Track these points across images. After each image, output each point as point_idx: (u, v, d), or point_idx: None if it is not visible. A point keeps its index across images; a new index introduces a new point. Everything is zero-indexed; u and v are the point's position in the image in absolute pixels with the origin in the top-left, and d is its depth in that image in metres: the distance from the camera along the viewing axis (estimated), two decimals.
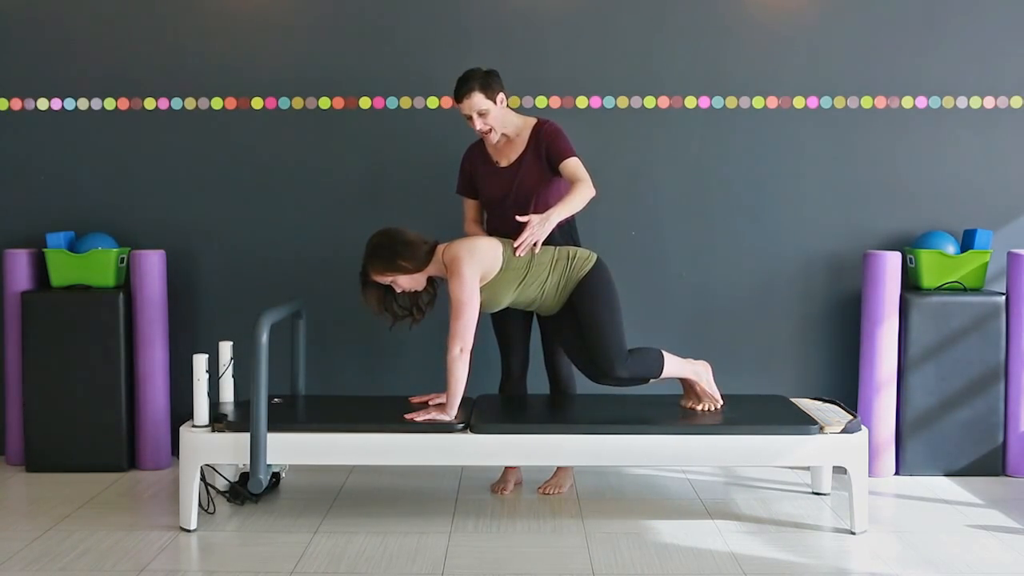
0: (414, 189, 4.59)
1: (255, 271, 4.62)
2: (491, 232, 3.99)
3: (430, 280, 3.86)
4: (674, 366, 3.81)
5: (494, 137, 3.88)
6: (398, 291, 3.80)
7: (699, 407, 3.84)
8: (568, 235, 3.99)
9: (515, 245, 3.71)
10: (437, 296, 3.91)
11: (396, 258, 3.71)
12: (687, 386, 3.90)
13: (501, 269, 3.73)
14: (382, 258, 3.73)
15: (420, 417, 3.67)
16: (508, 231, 3.87)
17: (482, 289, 3.72)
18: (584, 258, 3.78)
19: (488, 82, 3.81)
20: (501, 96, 3.85)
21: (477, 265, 3.68)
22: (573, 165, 3.84)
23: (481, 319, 4.07)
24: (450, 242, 3.78)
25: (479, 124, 3.82)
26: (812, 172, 4.57)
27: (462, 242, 3.77)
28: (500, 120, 3.86)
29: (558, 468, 4.14)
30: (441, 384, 4.56)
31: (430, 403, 3.85)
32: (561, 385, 4.09)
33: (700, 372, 3.84)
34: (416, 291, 3.83)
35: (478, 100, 3.78)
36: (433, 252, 3.77)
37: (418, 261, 3.73)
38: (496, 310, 3.85)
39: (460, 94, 3.80)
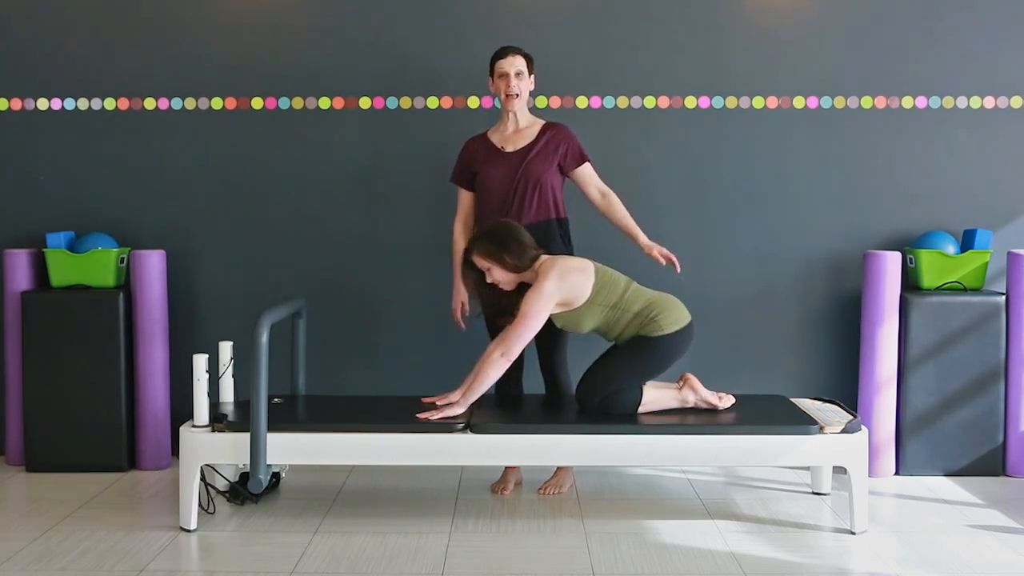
0: (414, 189, 4.59)
1: (255, 271, 4.62)
2: (485, 220, 3.99)
3: (521, 287, 3.82)
4: (654, 405, 3.78)
5: (516, 103, 3.96)
6: (488, 280, 3.79)
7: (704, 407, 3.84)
8: (564, 237, 4.02)
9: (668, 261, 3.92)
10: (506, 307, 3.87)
11: (502, 250, 3.72)
12: None
13: (587, 301, 3.73)
14: (490, 243, 3.73)
15: (435, 416, 3.67)
16: (507, 216, 3.91)
17: (565, 315, 3.75)
18: (662, 325, 3.73)
19: (530, 56, 4.05)
20: (533, 78, 4.04)
21: (561, 289, 3.68)
22: (590, 171, 4.07)
23: (479, 318, 4.09)
24: (553, 256, 3.78)
25: (512, 83, 3.94)
26: (812, 172, 4.58)
27: (562, 260, 3.75)
28: (526, 94, 4.00)
29: (558, 468, 4.14)
30: (441, 384, 4.56)
31: (438, 403, 3.84)
32: (561, 388, 4.08)
33: (686, 399, 3.82)
34: (505, 291, 3.81)
35: (520, 61, 3.97)
36: (535, 261, 3.77)
37: (519, 263, 3.73)
38: (576, 333, 3.86)
39: (506, 51, 3.98)
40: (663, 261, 3.96)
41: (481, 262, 3.76)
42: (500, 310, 3.87)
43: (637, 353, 3.75)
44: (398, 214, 4.61)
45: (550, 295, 3.67)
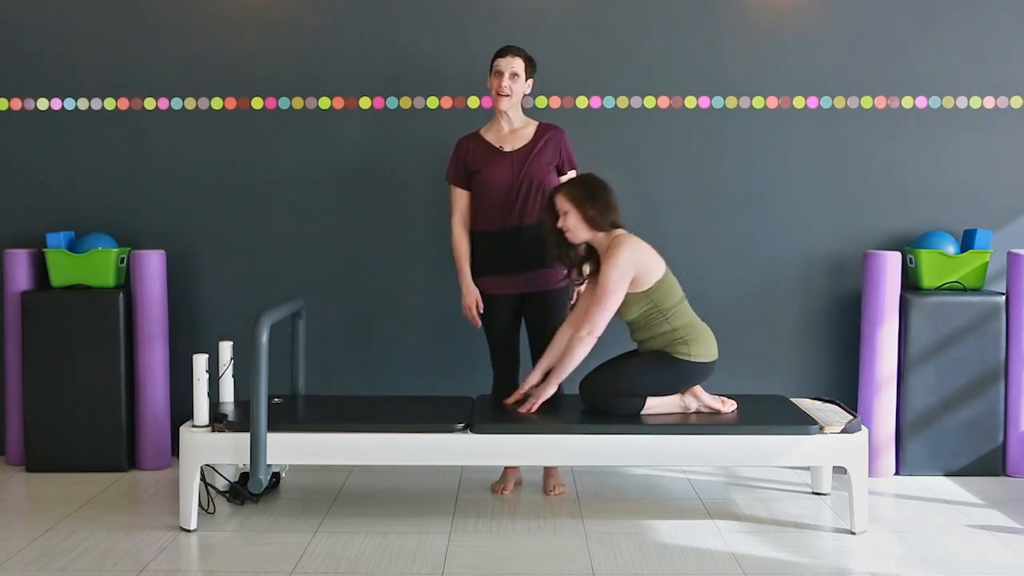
0: (414, 189, 4.59)
1: (255, 271, 4.62)
2: (481, 221, 3.99)
3: (587, 250, 3.83)
4: (656, 410, 3.78)
5: (505, 103, 3.95)
6: (559, 224, 3.76)
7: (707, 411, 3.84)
8: None
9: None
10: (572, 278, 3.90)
11: (589, 200, 3.72)
12: None
13: (647, 290, 3.72)
14: (582, 188, 3.74)
15: (536, 406, 3.73)
16: (505, 216, 3.93)
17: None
18: (691, 352, 3.73)
19: (532, 60, 4.01)
20: (531, 82, 4.03)
21: (636, 263, 3.69)
22: None
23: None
24: (629, 234, 3.78)
25: (505, 82, 3.93)
26: (812, 172, 4.58)
27: (637, 238, 3.76)
28: (518, 96, 3.99)
29: (547, 469, 4.13)
30: (440, 384, 4.58)
31: (523, 392, 3.85)
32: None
33: (688, 405, 3.81)
34: (569, 242, 3.78)
35: (518, 63, 3.96)
36: (613, 228, 3.77)
37: (598, 220, 3.72)
38: (621, 318, 3.84)
39: (506, 51, 3.97)
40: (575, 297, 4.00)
41: (563, 203, 3.75)
42: (564, 259, 3.85)
43: (656, 367, 3.75)
44: (398, 214, 4.61)
45: (625, 267, 3.67)
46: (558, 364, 3.77)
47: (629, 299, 3.74)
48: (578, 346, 3.71)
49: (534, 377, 3.87)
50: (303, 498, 4.02)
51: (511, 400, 3.88)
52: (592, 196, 3.72)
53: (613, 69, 4.55)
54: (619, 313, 3.79)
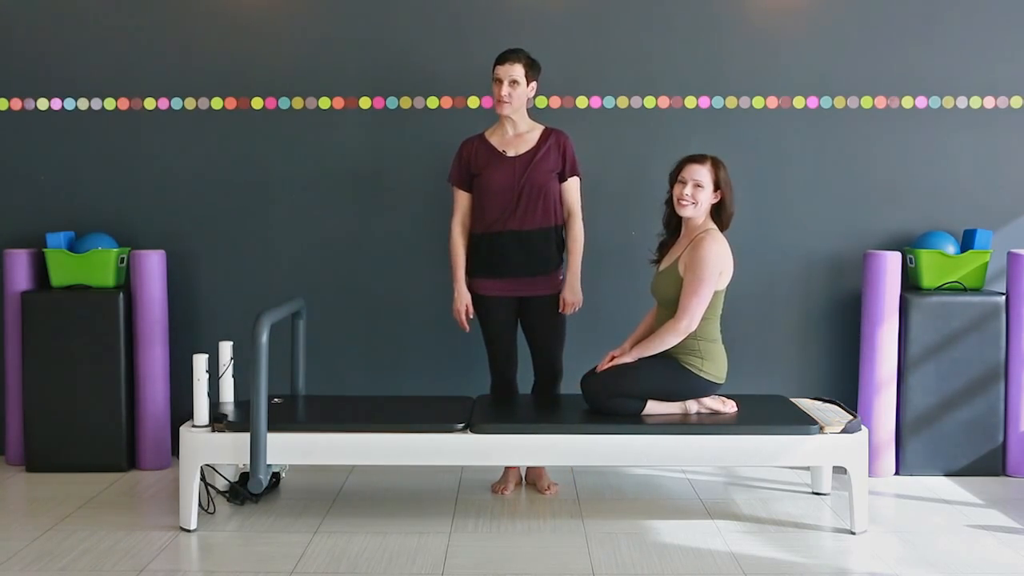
0: (414, 189, 4.59)
1: (255, 271, 4.62)
2: (481, 223, 3.99)
3: (674, 221, 3.87)
4: (657, 409, 3.78)
5: (506, 110, 3.92)
6: (689, 191, 3.73)
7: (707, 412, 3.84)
8: (560, 245, 4.04)
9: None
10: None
11: (732, 194, 3.78)
12: None
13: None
14: (721, 164, 3.79)
15: (606, 366, 3.76)
16: (505, 220, 3.93)
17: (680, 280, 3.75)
18: (703, 367, 3.73)
19: (533, 64, 3.97)
20: (534, 85, 3.98)
21: (723, 263, 3.70)
22: (575, 187, 4.05)
23: (472, 322, 4.08)
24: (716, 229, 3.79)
25: (504, 90, 3.90)
26: (812, 172, 4.58)
27: (724, 237, 3.79)
28: (520, 102, 3.95)
29: (535, 471, 4.14)
30: (439, 384, 4.57)
31: (611, 357, 3.86)
32: (556, 373, 4.10)
33: (689, 408, 3.81)
34: (680, 197, 3.76)
35: (518, 70, 3.91)
36: (710, 214, 3.79)
37: (721, 211, 3.77)
38: (658, 296, 3.86)
39: (505, 57, 3.93)
40: (564, 308, 4.01)
41: (706, 174, 3.74)
42: (669, 227, 3.91)
43: (662, 374, 3.75)
44: (398, 214, 4.61)
45: (718, 259, 3.68)
46: (646, 342, 3.76)
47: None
48: (670, 335, 3.69)
49: (625, 345, 3.86)
50: (303, 498, 4.02)
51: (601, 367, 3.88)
52: (733, 195, 3.79)
53: (613, 69, 4.55)
54: (663, 291, 3.79)
